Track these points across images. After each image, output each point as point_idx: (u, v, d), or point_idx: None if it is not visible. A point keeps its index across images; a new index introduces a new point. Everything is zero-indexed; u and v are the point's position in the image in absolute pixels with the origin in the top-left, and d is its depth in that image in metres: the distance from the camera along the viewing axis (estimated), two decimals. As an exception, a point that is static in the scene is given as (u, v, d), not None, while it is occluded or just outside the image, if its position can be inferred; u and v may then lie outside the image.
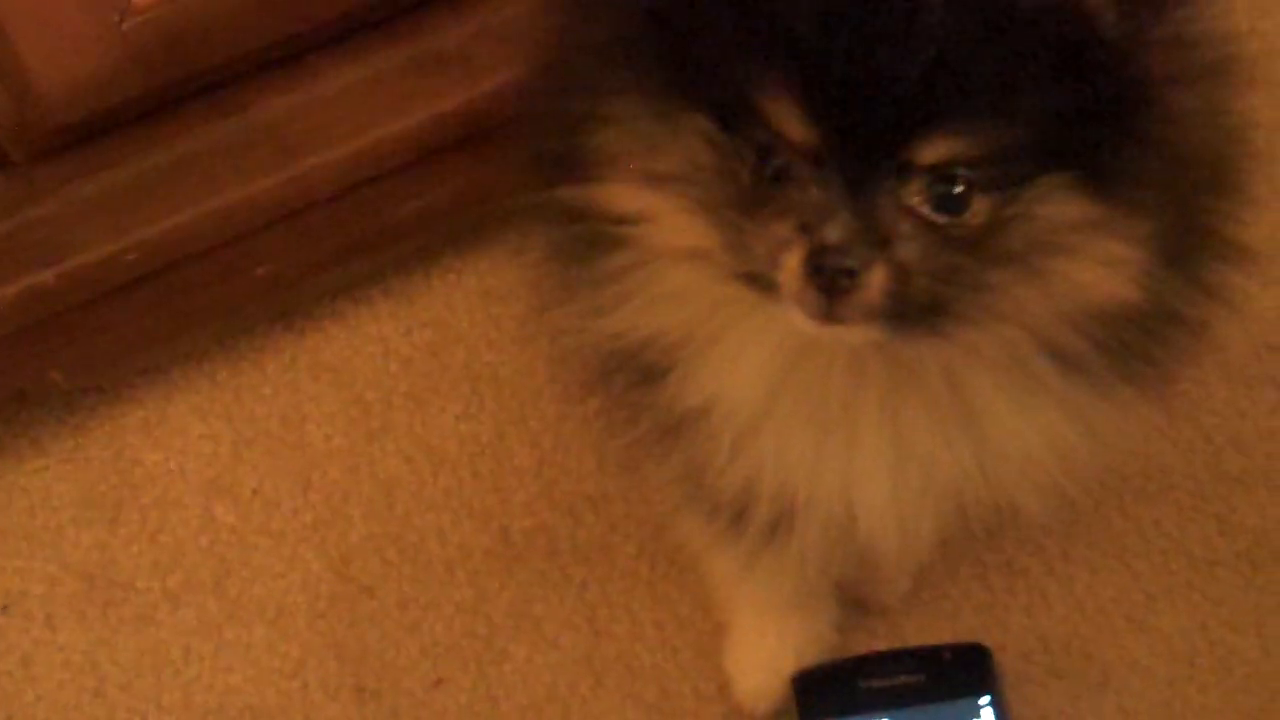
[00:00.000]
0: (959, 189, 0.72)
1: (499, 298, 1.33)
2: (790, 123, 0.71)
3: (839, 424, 0.83)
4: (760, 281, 0.75)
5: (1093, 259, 0.75)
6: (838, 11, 0.69)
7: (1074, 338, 0.79)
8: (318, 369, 1.32)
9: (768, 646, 1.12)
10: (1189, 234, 0.80)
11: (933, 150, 0.70)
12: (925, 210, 0.72)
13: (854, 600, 1.15)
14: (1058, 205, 0.73)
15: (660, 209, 0.77)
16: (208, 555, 1.24)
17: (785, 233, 0.73)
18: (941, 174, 0.71)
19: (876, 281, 0.72)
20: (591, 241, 0.82)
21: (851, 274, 0.71)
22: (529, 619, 1.19)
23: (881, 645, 1.14)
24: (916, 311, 0.74)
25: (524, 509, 1.23)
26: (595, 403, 0.93)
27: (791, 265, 0.72)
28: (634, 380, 0.86)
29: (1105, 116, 0.72)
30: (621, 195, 0.78)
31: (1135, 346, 0.81)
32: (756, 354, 0.82)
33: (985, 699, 1.08)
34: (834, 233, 0.71)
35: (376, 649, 1.18)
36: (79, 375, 1.28)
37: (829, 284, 0.72)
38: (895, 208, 0.72)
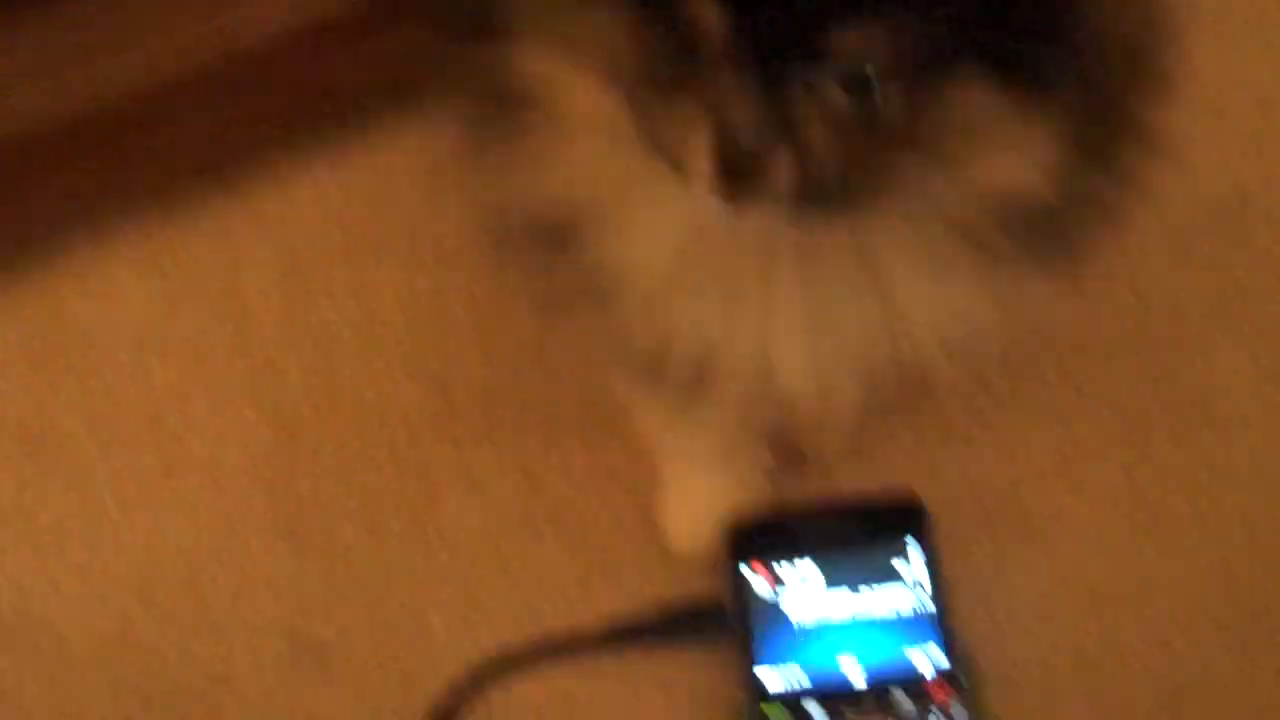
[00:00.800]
0: (870, 77, 0.71)
1: (438, 156, 1.31)
2: (702, 3, 0.70)
3: (752, 291, 0.84)
4: (670, 158, 0.74)
5: (1004, 148, 0.75)
6: None
7: (983, 222, 0.79)
8: (254, 225, 1.30)
9: (699, 495, 1.12)
10: (1107, 123, 0.80)
11: (846, 39, 0.70)
12: (835, 96, 0.71)
13: (788, 451, 1.16)
14: (969, 94, 0.72)
15: (572, 74, 0.77)
16: (141, 406, 1.23)
17: (693, 113, 0.72)
18: (853, 61, 0.71)
19: (781, 165, 0.72)
20: (505, 102, 0.81)
21: (756, 157, 0.71)
22: (464, 469, 1.19)
23: (815, 494, 1.14)
24: (823, 196, 0.74)
25: (461, 362, 1.23)
26: (517, 262, 0.93)
27: (697, 145, 0.72)
28: (548, 242, 0.86)
29: (1019, 6, 0.71)
30: (533, 56, 0.78)
31: (1045, 230, 0.81)
32: (668, 225, 0.82)
33: (915, 546, 1.08)
34: (740, 115, 0.71)
35: (311, 497, 1.18)
36: (11, 227, 1.26)
37: (733, 166, 0.71)
38: (805, 93, 0.71)
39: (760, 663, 1.05)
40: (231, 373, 1.24)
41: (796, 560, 1.08)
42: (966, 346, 0.88)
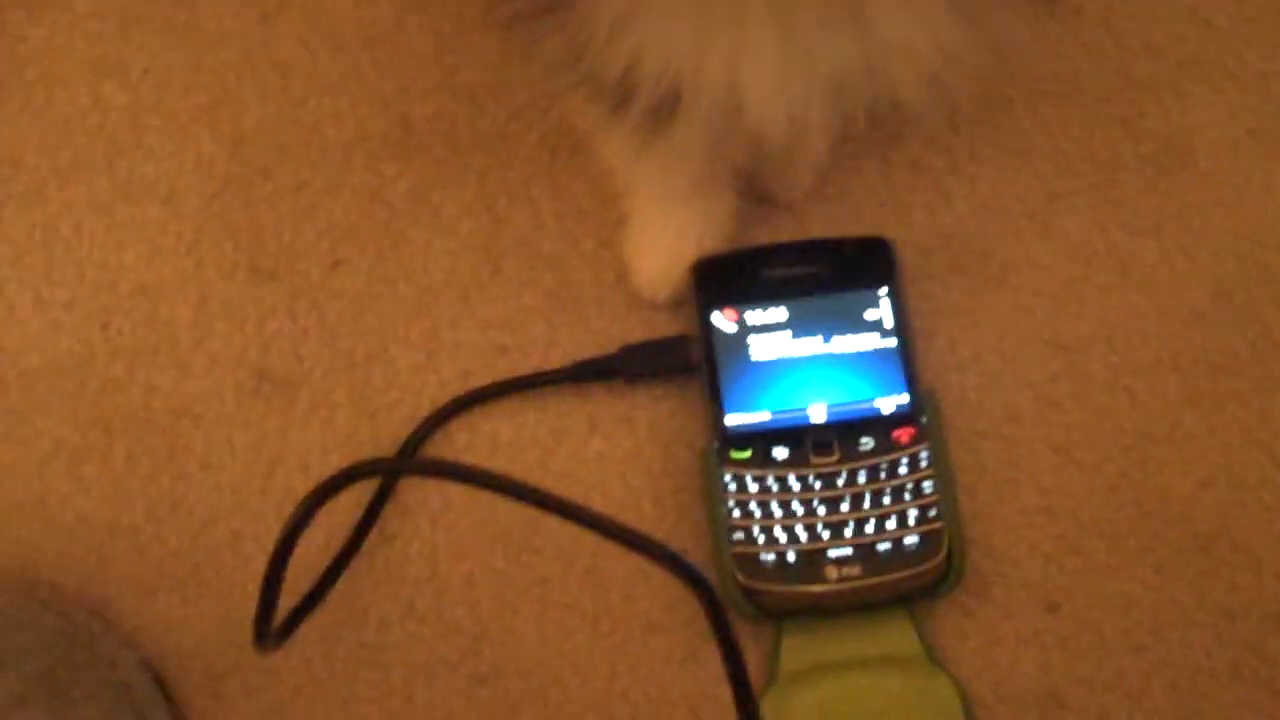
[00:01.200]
0: None
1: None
2: None
3: (724, 11, 0.81)
4: None
5: None
6: None
7: None
8: (209, -53, 1.27)
9: (666, 234, 1.11)
10: None
11: None
12: None
13: (759, 194, 1.14)
14: None
15: None
16: (97, 134, 1.20)
17: None
18: None
19: None
20: None
21: None
22: (428, 205, 1.17)
23: (785, 238, 1.13)
24: None
25: (424, 96, 1.20)
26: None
27: None
28: None
29: None
30: None
31: None
32: None
33: (884, 290, 1.08)
34: None
35: (273, 230, 1.17)
36: (-43, -57, 1.22)
37: None
38: None
39: (725, 404, 1.05)
40: (188, 101, 1.21)
41: (765, 305, 1.08)
42: (939, 76, 0.85)
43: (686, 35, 0.82)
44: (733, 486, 1.04)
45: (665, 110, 0.87)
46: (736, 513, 1.03)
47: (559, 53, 0.88)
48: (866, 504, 1.03)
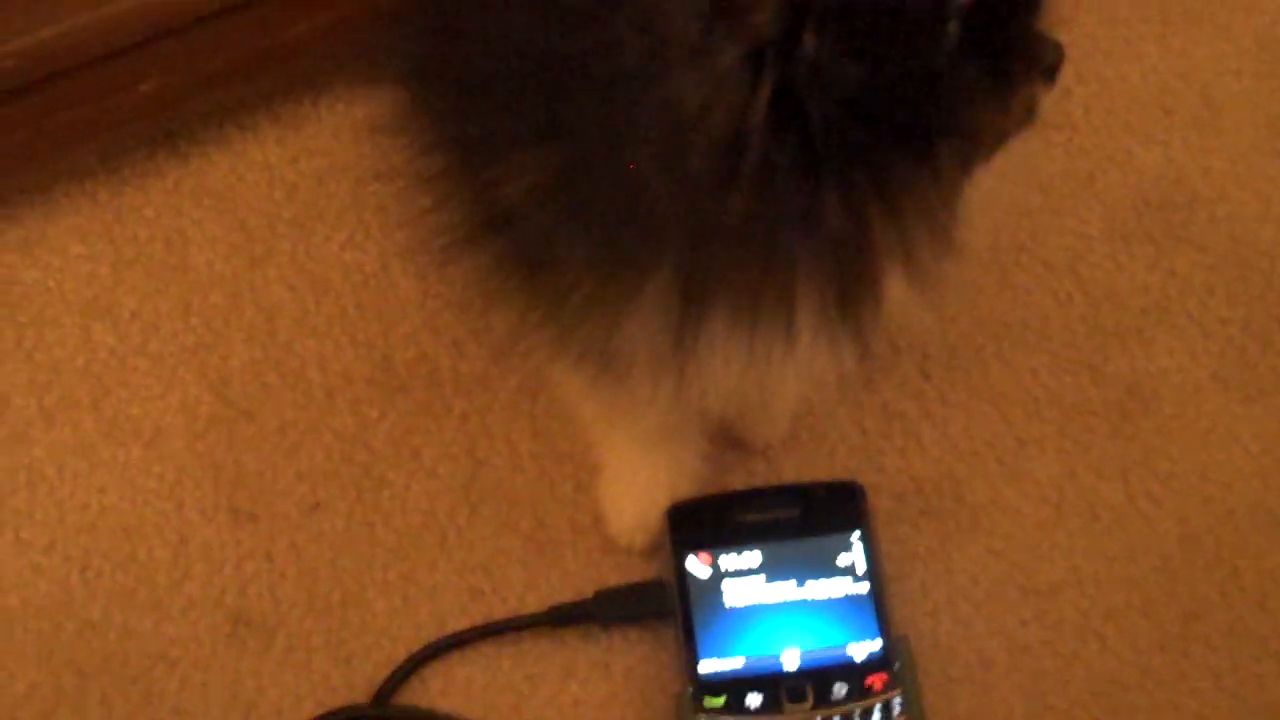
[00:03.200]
0: None
1: (387, 130, 1.31)
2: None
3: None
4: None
5: None
6: None
7: None
8: (201, 193, 1.30)
9: (641, 482, 1.12)
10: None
11: None
12: None
13: (733, 439, 1.17)
14: None
15: None
16: (85, 375, 1.23)
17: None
18: None
19: None
20: None
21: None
22: (408, 447, 1.19)
23: (759, 482, 1.15)
24: None
25: (406, 339, 1.23)
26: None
27: (1043, 92, 0.84)
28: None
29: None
30: None
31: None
32: None
33: (856, 534, 1.09)
34: (1054, 47, 0.83)
35: (254, 472, 1.18)
36: (-43, 190, 1.25)
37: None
38: None
39: (700, 650, 1.06)
40: (176, 342, 1.24)
41: (739, 550, 1.09)
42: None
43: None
44: (707, 734, 1.04)
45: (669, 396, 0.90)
46: (710, 760, 1.04)
47: (542, 323, 0.91)
48: (840, 752, 1.03)
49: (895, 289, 0.82)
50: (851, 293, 0.80)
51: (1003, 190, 0.89)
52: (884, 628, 1.07)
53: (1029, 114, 0.83)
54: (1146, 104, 1.31)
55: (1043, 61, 0.82)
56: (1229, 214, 1.27)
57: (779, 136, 0.71)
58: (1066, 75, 0.88)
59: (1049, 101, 0.85)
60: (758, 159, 0.71)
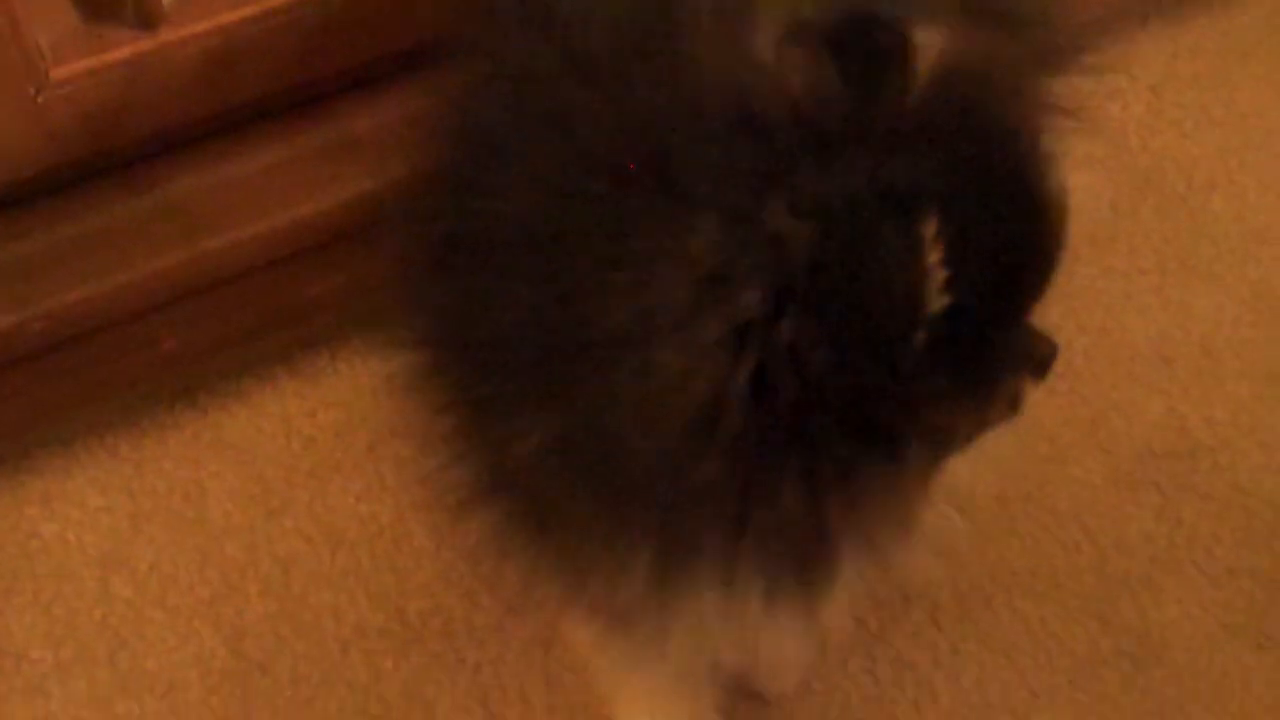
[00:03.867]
0: None
1: (402, 389, 1.34)
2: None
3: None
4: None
5: None
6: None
7: None
8: (220, 445, 1.32)
9: (653, 733, 1.13)
10: None
11: None
12: None
13: (746, 690, 1.17)
14: None
15: None
16: (102, 628, 1.23)
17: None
18: None
19: None
20: None
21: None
22: (422, 700, 1.19)
23: (770, 734, 1.16)
24: None
25: (421, 590, 1.24)
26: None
27: (1029, 387, 0.84)
28: None
29: None
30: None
31: None
32: None
33: (870, 790, 1.09)
34: (1048, 342, 0.83)
35: (267, 726, 1.19)
36: (-21, 445, 1.28)
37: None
38: None
39: None
40: (192, 595, 1.25)
41: (752, 805, 1.09)
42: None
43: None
44: None
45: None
46: None
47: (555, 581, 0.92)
48: None
49: (851, 569, 0.84)
50: (806, 570, 0.82)
51: (1008, 441, 0.91)
52: None
53: (1013, 407, 0.83)
54: (1147, 354, 1.34)
55: (1032, 359, 0.82)
56: (1232, 463, 1.28)
57: (754, 411, 0.73)
58: (1067, 326, 0.91)
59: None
60: (734, 429, 0.73)
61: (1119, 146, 1.46)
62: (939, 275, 0.71)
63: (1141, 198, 1.44)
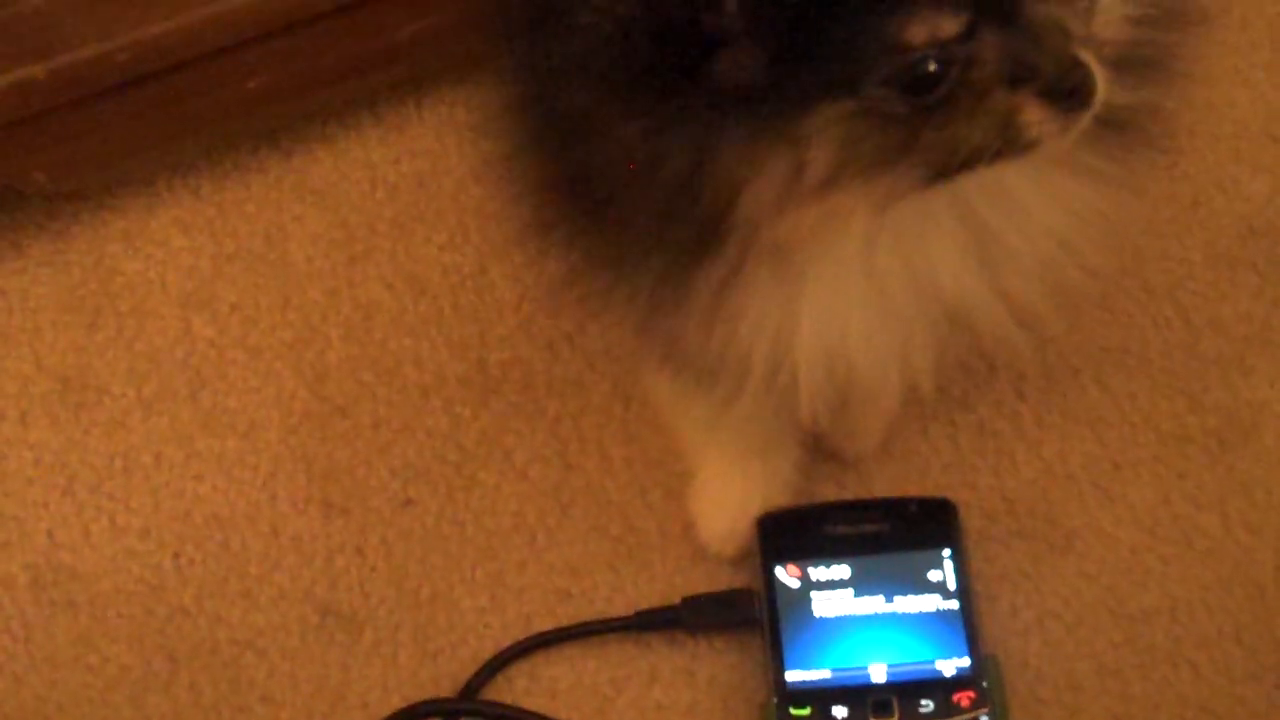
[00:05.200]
0: None
1: (489, 134, 1.32)
2: (940, 22, 0.70)
3: (869, 286, 0.84)
4: (976, 160, 0.74)
5: None
6: None
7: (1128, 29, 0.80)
8: (303, 190, 1.31)
9: (733, 490, 1.12)
10: None
11: None
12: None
13: (826, 451, 1.16)
14: None
15: (836, 205, 0.76)
16: (183, 366, 1.24)
17: (1005, 101, 0.73)
18: None
19: (1093, 68, 0.73)
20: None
21: (1085, 64, 0.72)
22: (500, 448, 1.19)
23: (850, 496, 1.15)
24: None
25: (502, 341, 1.23)
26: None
27: (1036, 115, 0.73)
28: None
29: None
30: (792, 228, 0.77)
31: (1158, 43, 0.83)
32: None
33: (947, 552, 1.09)
34: (1056, 53, 0.72)
35: (347, 467, 1.19)
36: (63, 177, 1.27)
37: (1085, 86, 0.72)
38: (1038, 5, 0.72)
39: (786, 661, 1.06)
40: (274, 337, 1.25)
41: (829, 562, 1.08)
42: (1070, 274, 0.88)
43: (827, 315, 0.84)
44: (792, 744, 1.04)
45: (765, 381, 0.88)
46: (793, 770, 1.03)
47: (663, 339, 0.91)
48: (925, 767, 1.03)
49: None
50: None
51: (1106, 208, 0.88)
52: (973, 646, 1.06)
53: (1009, 131, 0.74)
54: (1254, 131, 1.30)
55: (1034, 76, 0.73)
56: (1335, 244, 1.25)
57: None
58: (1173, 98, 0.87)
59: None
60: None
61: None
62: None
63: None
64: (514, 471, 1.18)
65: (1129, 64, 0.81)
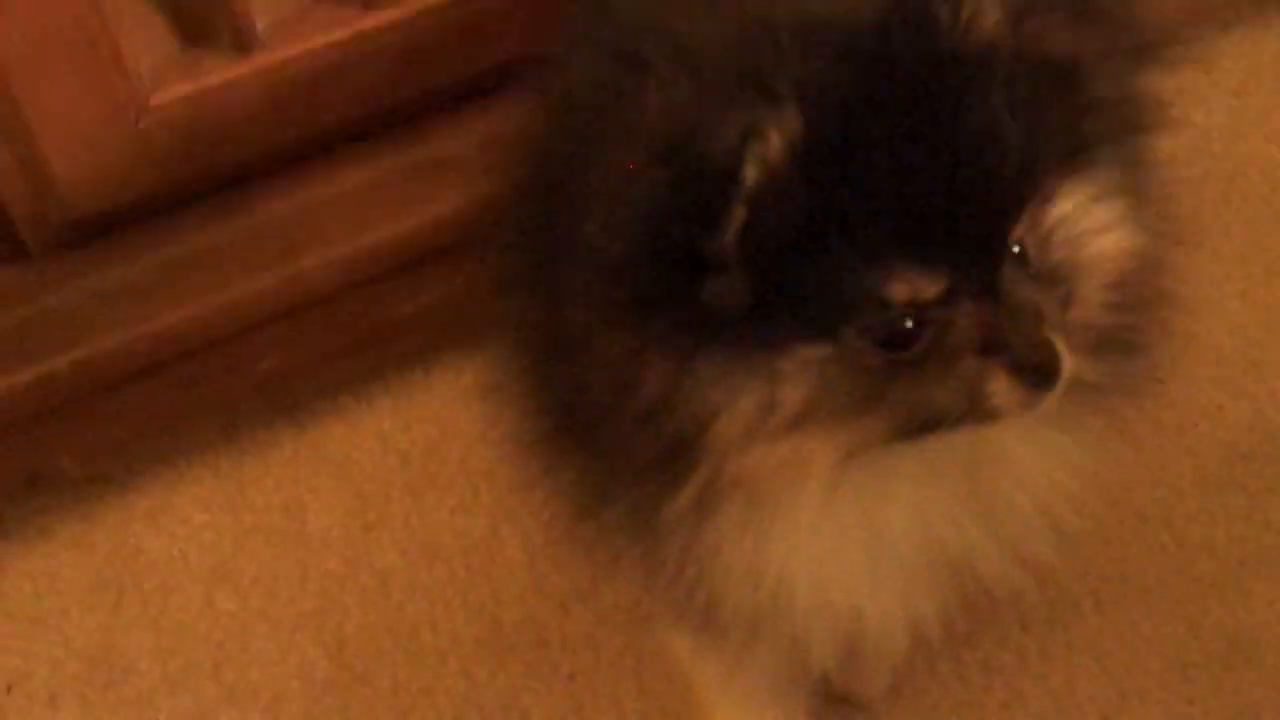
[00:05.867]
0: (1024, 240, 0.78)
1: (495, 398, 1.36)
2: (921, 288, 0.74)
3: (875, 543, 0.86)
4: (940, 422, 0.78)
5: (1104, 228, 0.82)
6: (940, 174, 0.74)
7: (1103, 314, 0.84)
8: (318, 462, 1.36)
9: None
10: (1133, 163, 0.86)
11: (1020, 224, 0.77)
12: (1023, 273, 0.77)
13: (837, 695, 1.18)
14: (1069, 202, 0.80)
15: (799, 447, 0.79)
16: (207, 641, 1.27)
17: (974, 368, 0.76)
18: (1031, 227, 0.78)
19: (1063, 337, 0.77)
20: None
21: (1055, 347, 0.76)
22: (518, 709, 1.21)
23: (861, 738, 1.17)
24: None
25: (515, 601, 1.26)
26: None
27: (1002, 387, 0.76)
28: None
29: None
30: (754, 465, 0.79)
31: (1134, 327, 0.87)
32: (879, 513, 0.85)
33: (960, 793, 1.10)
34: (1027, 331, 0.76)
35: (369, 735, 1.22)
36: (88, 462, 1.32)
37: (1050, 366, 0.76)
38: (1016, 286, 0.77)
39: None
40: (295, 607, 1.28)
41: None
42: (1067, 519, 0.91)
43: (837, 576, 0.87)
44: None
45: (786, 640, 0.91)
46: None
47: (639, 576, 0.94)
48: None
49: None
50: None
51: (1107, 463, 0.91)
52: None
53: (975, 401, 0.77)
54: (1233, 356, 1.34)
55: (1004, 349, 0.76)
56: (1320, 464, 1.29)
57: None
58: (1151, 369, 0.91)
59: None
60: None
61: (1202, 151, 1.47)
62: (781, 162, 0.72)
63: (1225, 202, 1.44)
64: (533, 732, 1.20)
65: (1106, 344, 0.85)
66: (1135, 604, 1.23)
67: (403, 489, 1.33)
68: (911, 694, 1.19)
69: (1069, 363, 0.76)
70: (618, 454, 0.84)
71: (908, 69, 0.75)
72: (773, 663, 0.97)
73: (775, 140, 0.72)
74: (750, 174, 0.72)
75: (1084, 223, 0.81)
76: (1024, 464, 0.87)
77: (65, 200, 1.21)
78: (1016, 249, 0.77)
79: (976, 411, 0.77)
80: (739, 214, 0.73)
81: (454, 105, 1.32)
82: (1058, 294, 0.79)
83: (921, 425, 0.78)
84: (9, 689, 1.25)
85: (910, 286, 0.74)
